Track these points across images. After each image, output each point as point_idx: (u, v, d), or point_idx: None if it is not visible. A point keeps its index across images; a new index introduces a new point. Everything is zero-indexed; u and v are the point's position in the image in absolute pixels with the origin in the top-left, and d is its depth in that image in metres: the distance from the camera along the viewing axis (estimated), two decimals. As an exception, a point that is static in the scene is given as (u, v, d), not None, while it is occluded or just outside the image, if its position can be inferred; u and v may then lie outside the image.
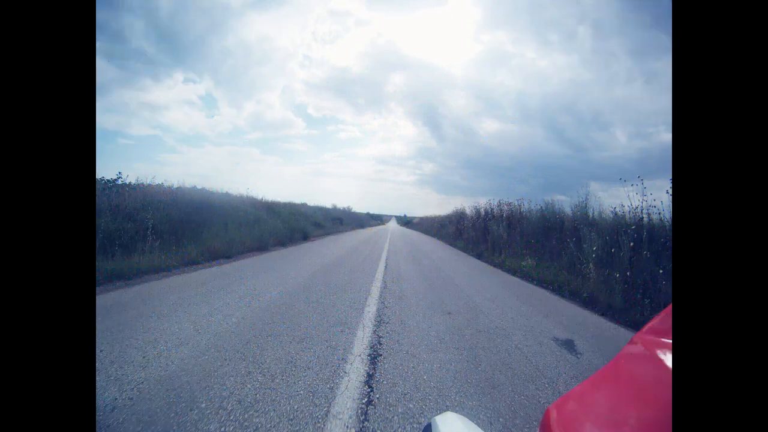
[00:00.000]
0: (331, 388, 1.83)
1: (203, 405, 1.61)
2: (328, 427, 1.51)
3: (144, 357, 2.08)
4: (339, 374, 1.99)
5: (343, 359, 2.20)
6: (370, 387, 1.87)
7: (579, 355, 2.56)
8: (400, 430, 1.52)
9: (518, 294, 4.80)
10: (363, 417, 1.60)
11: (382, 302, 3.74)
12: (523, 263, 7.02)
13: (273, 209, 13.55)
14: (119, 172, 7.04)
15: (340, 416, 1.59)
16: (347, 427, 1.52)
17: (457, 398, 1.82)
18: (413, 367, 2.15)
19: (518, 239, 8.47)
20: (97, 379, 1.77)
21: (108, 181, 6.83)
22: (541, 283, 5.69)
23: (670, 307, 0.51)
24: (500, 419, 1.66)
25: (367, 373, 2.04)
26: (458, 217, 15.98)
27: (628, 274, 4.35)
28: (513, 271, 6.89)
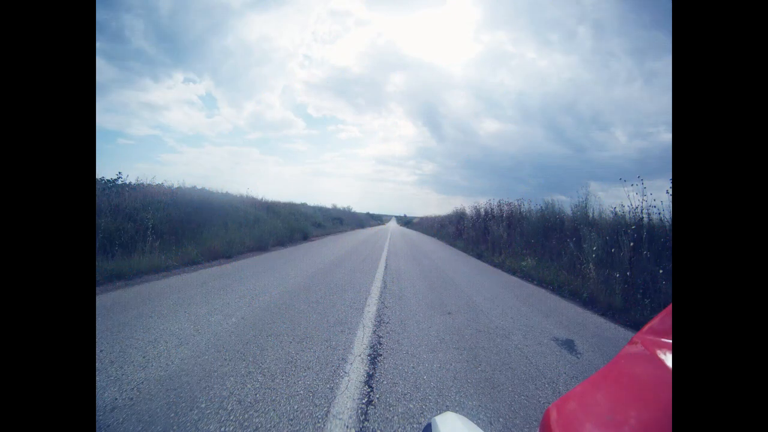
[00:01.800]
0: (331, 388, 1.83)
1: (203, 405, 1.61)
2: (328, 427, 1.51)
3: (144, 357, 2.08)
4: (339, 374, 1.99)
5: (343, 359, 2.20)
6: (370, 387, 1.87)
7: (579, 355, 2.56)
8: (400, 430, 1.52)
9: (518, 294, 4.80)
10: (363, 417, 1.60)
11: (382, 302, 3.74)
12: (523, 263, 7.02)
13: (273, 209, 13.55)
14: (119, 172, 7.07)
15: (340, 416, 1.59)
16: (347, 427, 1.52)
17: (457, 398, 1.82)
18: (413, 367, 2.15)
19: (518, 239, 8.47)
20: (97, 379, 1.77)
21: (108, 181, 6.84)
22: (541, 283, 5.69)
23: (670, 307, 0.51)
24: (500, 419, 1.66)
25: (367, 373, 2.04)
26: (458, 217, 15.98)
27: (628, 274, 4.35)
28: (513, 271, 6.89)
